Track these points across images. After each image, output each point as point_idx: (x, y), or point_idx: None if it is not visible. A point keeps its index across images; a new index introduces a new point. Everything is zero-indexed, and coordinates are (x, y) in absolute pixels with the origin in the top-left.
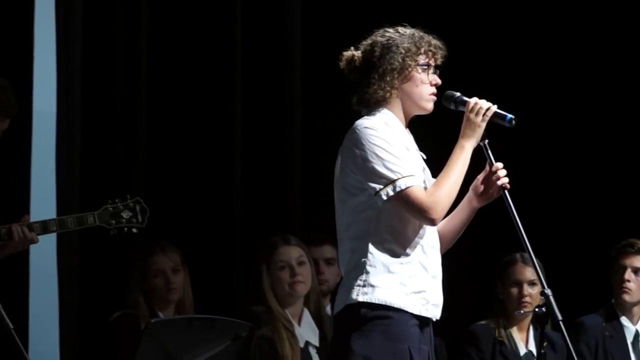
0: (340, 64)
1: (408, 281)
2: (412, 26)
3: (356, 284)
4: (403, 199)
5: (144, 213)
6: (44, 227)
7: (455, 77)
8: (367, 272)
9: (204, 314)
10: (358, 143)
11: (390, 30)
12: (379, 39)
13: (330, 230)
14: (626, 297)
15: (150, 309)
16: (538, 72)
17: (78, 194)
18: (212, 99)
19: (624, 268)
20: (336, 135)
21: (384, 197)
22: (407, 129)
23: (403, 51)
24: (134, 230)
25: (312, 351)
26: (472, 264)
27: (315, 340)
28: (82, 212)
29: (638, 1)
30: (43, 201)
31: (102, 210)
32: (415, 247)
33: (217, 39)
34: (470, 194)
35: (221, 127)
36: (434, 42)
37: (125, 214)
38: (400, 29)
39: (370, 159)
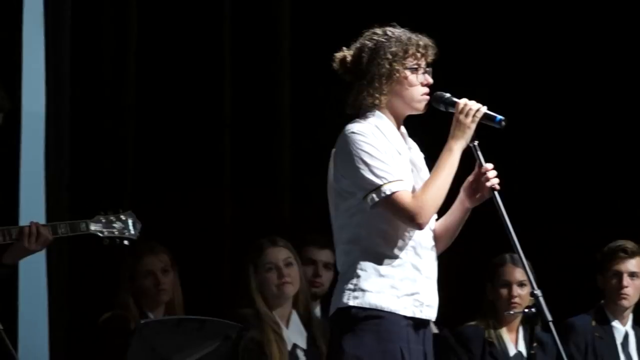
0: (334, 64)
1: (400, 284)
2: (402, 25)
3: (347, 287)
4: (389, 204)
5: (136, 226)
6: None
7: (445, 78)
8: (358, 276)
9: (193, 315)
10: (346, 148)
11: (379, 32)
12: (367, 42)
13: (321, 232)
14: (625, 303)
15: (140, 310)
16: (527, 73)
17: (67, 194)
18: (202, 99)
19: (620, 274)
20: (325, 135)
21: (370, 203)
22: (402, 129)
23: (390, 56)
24: (126, 242)
25: (300, 353)
26: (462, 265)
27: (302, 343)
28: (71, 214)
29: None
30: (32, 202)
31: (95, 219)
32: (406, 249)
33: (206, 41)
34: (461, 194)
35: (211, 129)
36: (423, 41)
37: (118, 225)
38: (389, 31)
39: (357, 165)
